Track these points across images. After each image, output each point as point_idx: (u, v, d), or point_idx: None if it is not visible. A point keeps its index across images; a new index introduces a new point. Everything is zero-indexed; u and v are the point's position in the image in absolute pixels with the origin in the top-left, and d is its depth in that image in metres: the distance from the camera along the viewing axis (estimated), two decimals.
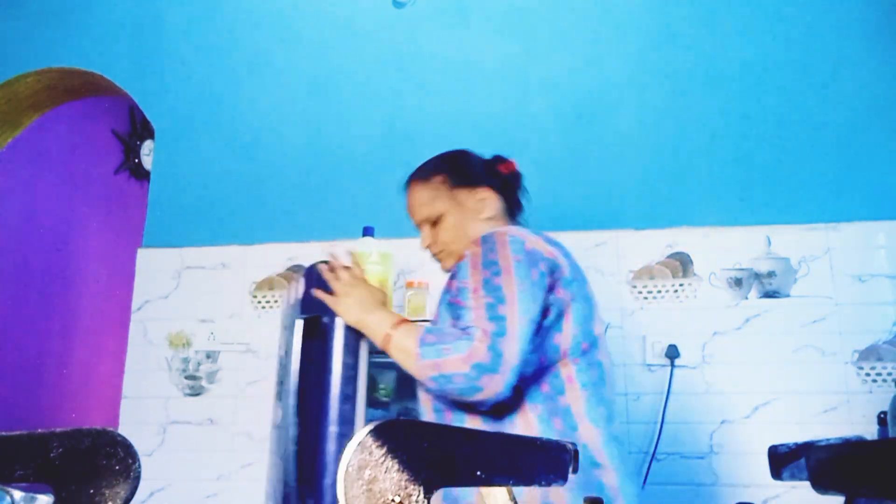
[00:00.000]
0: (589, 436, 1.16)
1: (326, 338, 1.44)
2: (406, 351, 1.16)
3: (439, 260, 1.42)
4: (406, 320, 1.23)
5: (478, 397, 1.07)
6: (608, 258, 2.26)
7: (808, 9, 2.37)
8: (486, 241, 1.21)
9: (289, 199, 2.53)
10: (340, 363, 1.45)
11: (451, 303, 1.20)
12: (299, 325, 1.41)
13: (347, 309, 1.30)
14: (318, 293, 1.35)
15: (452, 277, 1.26)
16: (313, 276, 1.47)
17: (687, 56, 2.40)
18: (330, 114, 2.58)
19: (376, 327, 1.24)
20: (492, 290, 1.14)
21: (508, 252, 1.18)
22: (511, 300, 1.12)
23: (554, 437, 1.11)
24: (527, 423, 1.15)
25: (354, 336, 1.31)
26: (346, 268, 1.37)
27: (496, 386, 1.06)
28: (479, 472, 0.43)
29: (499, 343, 1.07)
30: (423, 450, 0.40)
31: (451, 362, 1.07)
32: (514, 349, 1.08)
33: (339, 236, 2.42)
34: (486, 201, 1.40)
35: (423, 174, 1.43)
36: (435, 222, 1.39)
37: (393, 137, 2.52)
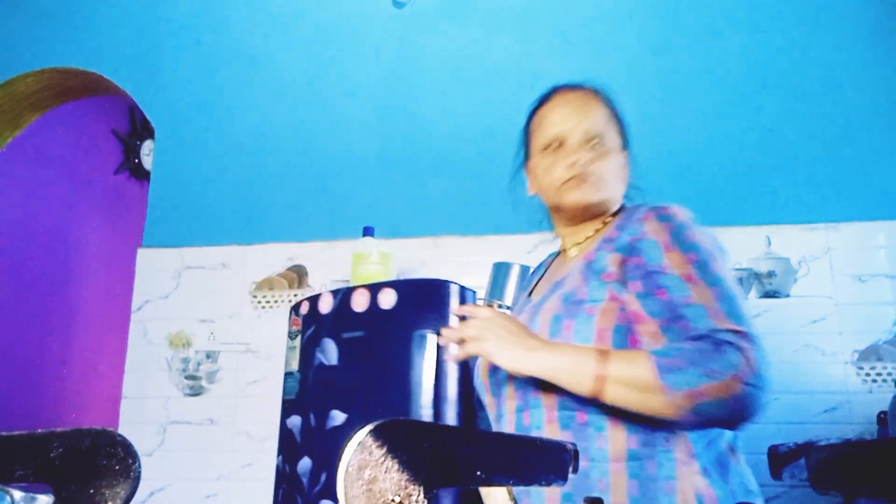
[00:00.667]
0: (736, 459, 1.00)
1: (439, 350, 1.53)
2: (641, 386, 0.87)
3: (575, 186, 1.10)
4: (602, 350, 0.92)
5: (750, 418, 0.86)
6: None
7: (808, 9, 2.37)
8: (668, 218, 1.00)
9: (289, 199, 2.53)
10: (456, 374, 1.54)
11: (637, 288, 0.96)
12: (433, 339, 1.49)
13: (501, 349, 0.96)
14: (459, 352, 1.03)
15: (605, 250, 1.03)
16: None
17: (686, 56, 2.40)
18: (330, 113, 2.58)
19: (573, 368, 0.92)
20: (715, 283, 0.92)
21: (701, 234, 0.99)
22: (736, 293, 0.92)
23: (709, 462, 0.95)
24: (684, 443, 0.94)
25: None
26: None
27: (765, 400, 0.85)
28: (479, 472, 0.43)
29: (757, 349, 0.86)
30: (423, 450, 0.40)
31: (722, 386, 0.83)
32: (764, 353, 0.87)
33: (339, 236, 2.42)
34: (628, 167, 1.19)
35: (600, 94, 1.16)
36: (592, 147, 1.10)
37: (393, 137, 2.52)
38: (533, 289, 1.23)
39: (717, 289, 0.91)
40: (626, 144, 1.19)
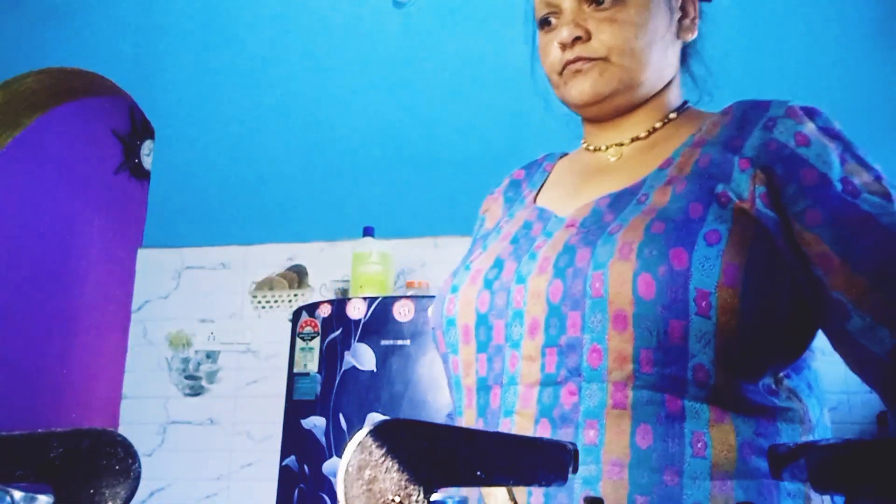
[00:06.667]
0: None
1: None
2: None
3: (572, 75, 0.77)
4: None
5: None
6: None
7: (808, 9, 2.37)
8: (826, 120, 0.72)
9: (289, 199, 2.53)
10: None
11: (817, 219, 0.66)
12: None
13: None
14: None
15: (717, 157, 0.68)
16: None
17: None
18: (330, 114, 2.59)
19: None
20: None
21: None
22: None
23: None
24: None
25: None
26: None
27: None
28: (479, 472, 0.43)
29: None
30: (423, 450, 0.40)
31: None
32: None
33: (339, 236, 2.42)
34: (695, 17, 0.79)
35: None
36: (599, 7, 0.73)
37: (393, 137, 2.52)
38: (536, 195, 0.85)
39: None
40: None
